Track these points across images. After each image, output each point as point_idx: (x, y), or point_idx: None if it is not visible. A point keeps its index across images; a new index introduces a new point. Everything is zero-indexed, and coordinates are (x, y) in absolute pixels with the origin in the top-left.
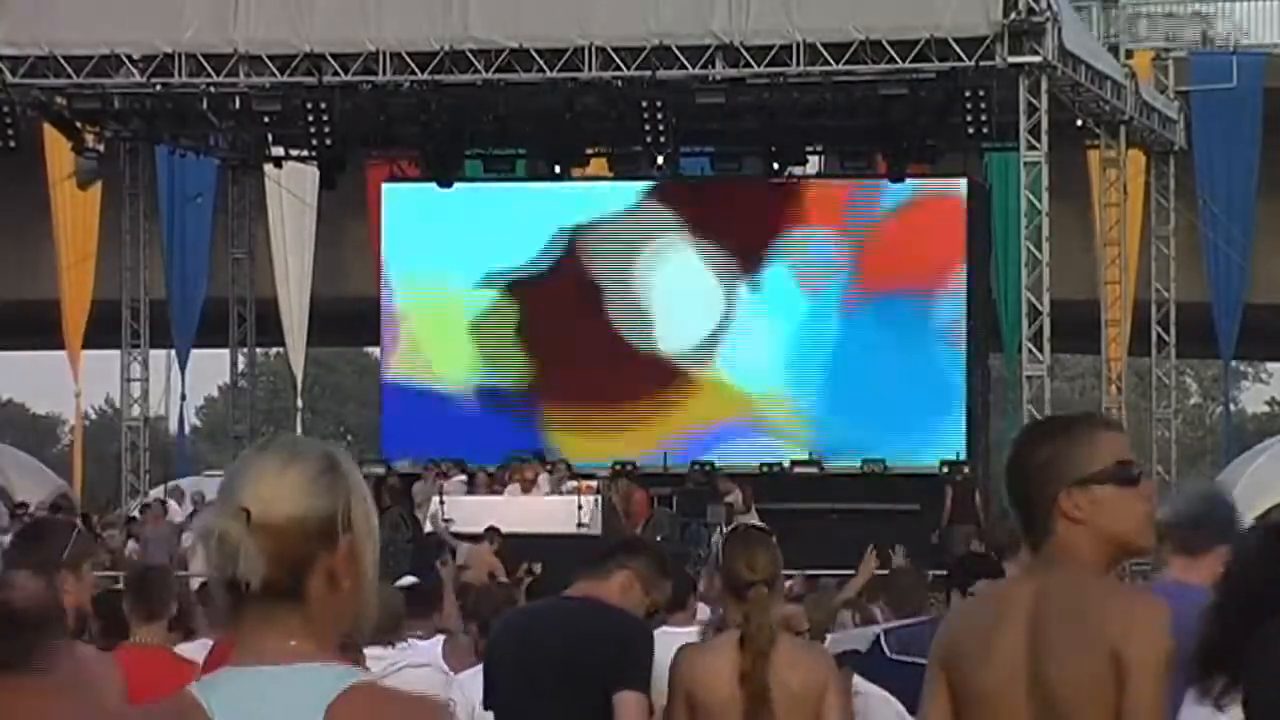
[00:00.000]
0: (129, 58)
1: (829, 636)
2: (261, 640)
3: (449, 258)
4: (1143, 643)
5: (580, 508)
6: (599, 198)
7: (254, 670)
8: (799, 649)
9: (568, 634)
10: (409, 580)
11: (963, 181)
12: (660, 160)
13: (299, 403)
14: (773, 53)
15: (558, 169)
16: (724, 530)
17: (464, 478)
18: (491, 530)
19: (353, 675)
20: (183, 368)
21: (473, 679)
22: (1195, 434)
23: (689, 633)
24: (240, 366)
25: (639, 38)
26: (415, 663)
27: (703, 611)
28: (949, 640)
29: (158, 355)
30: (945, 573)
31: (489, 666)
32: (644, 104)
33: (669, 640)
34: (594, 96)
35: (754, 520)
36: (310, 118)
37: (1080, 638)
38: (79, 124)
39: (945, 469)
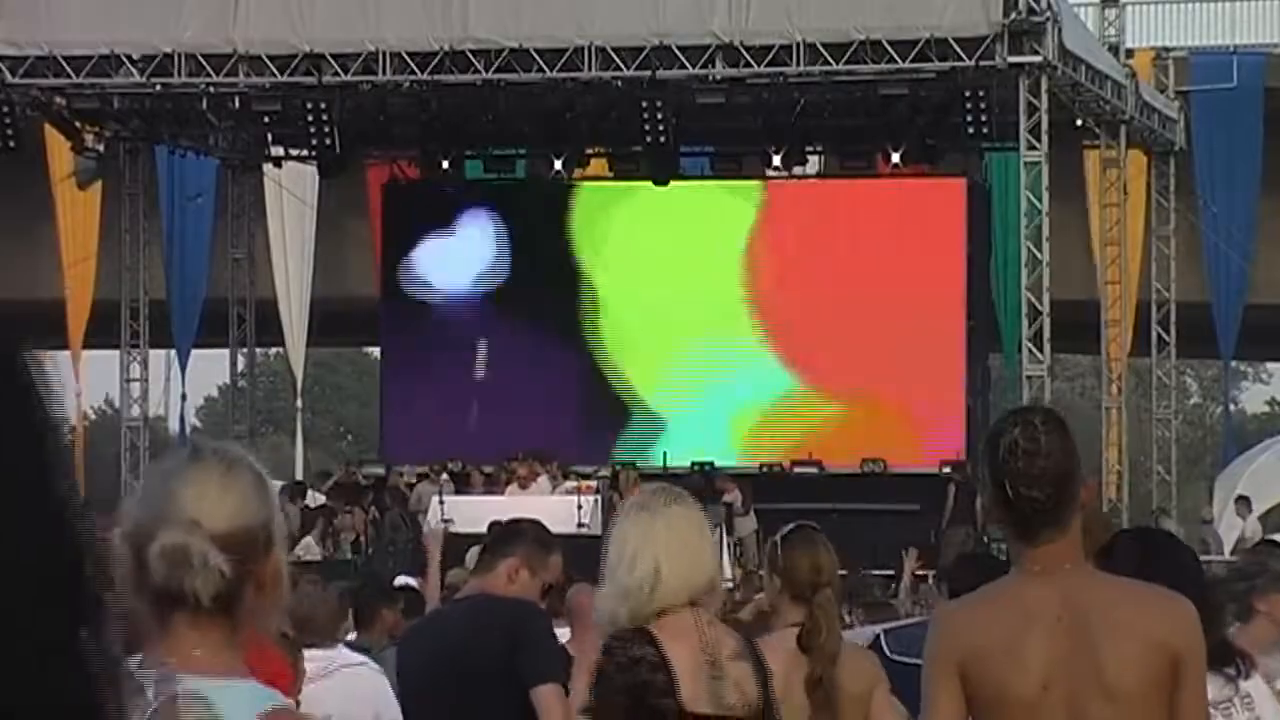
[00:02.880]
0: (129, 58)
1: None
2: (189, 651)
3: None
4: (1194, 641)
5: (580, 508)
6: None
7: (184, 679)
8: (848, 649)
9: (460, 635)
10: (406, 580)
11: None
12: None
13: (299, 403)
14: (773, 53)
15: (558, 169)
16: (724, 529)
17: (448, 477)
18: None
19: (274, 699)
20: (183, 368)
21: None
22: (1195, 434)
23: None
24: (240, 366)
25: (639, 38)
26: (350, 662)
27: None
28: (963, 641)
29: (158, 355)
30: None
31: (399, 677)
32: (644, 104)
33: None
34: (594, 96)
35: (752, 521)
36: (310, 118)
37: (1136, 639)
38: (79, 124)
39: (948, 469)
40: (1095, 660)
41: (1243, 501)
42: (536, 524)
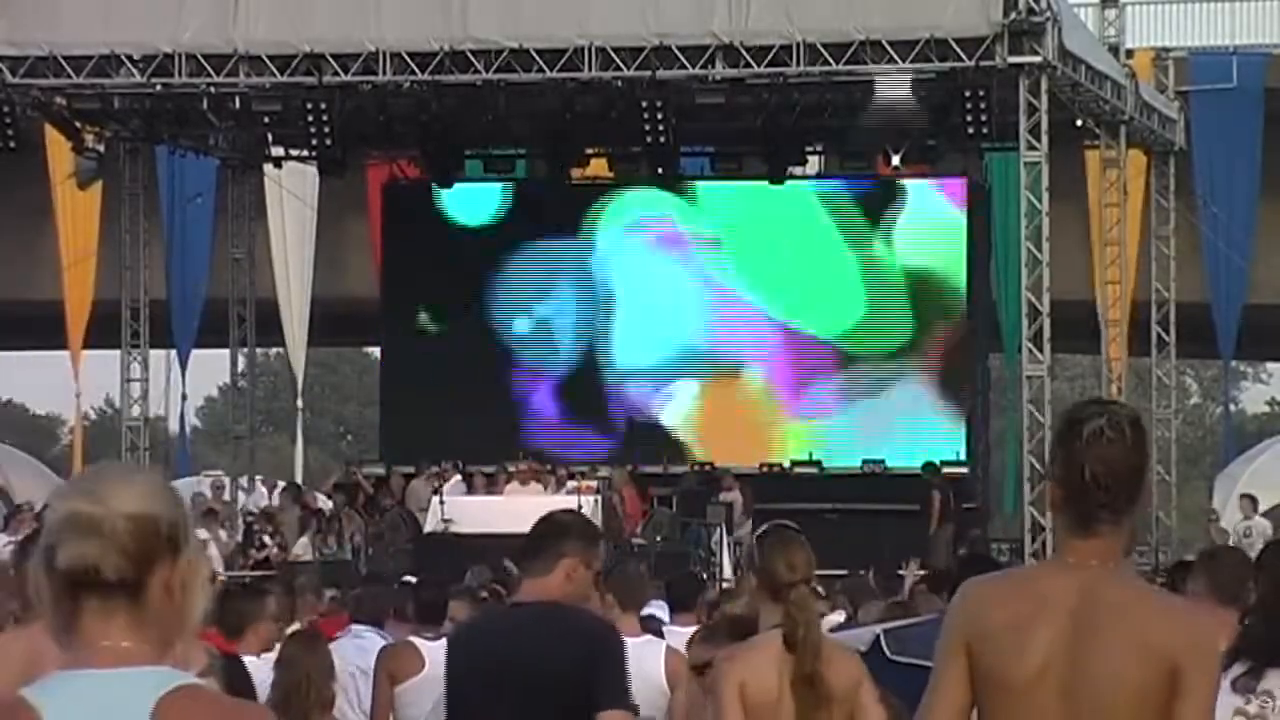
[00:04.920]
0: (129, 58)
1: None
2: (97, 640)
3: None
4: (1201, 654)
5: (580, 508)
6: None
7: (88, 673)
8: (831, 647)
9: (532, 641)
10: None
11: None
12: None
13: (299, 403)
14: (773, 53)
15: (558, 169)
16: (723, 529)
17: (460, 478)
18: None
19: (177, 677)
20: (183, 368)
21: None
22: (1195, 434)
23: (691, 633)
24: (240, 366)
25: (639, 38)
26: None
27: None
28: (975, 621)
29: (158, 355)
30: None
31: (450, 680)
32: (644, 104)
33: (676, 641)
34: (594, 96)
35: (749, 522)
36: (310, 118)
37: (1134, 642)
38: (79, 124)
39: (927, 474)
40: (1092, 657)
41: (1248, 500)
42: (578, 516)
